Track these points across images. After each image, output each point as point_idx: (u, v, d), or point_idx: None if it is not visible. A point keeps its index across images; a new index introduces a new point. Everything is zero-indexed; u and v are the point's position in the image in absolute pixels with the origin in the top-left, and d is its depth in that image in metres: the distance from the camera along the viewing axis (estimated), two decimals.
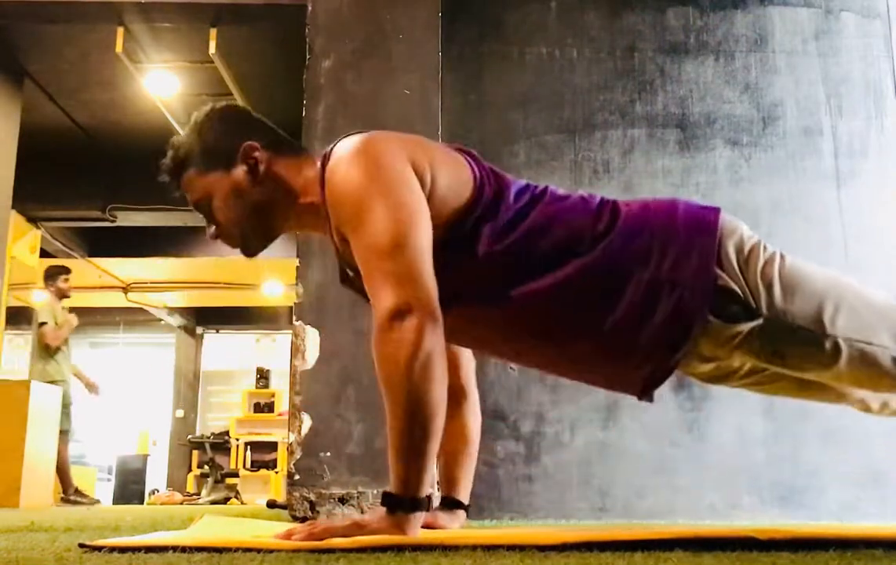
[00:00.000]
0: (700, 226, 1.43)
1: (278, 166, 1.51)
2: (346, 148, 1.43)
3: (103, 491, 11.35)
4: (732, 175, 3.42)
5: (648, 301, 1.39)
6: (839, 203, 3.39)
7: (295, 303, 3.07)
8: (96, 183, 7.97)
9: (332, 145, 1.47)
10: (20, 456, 5.63)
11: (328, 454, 2.89)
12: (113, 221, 8.15)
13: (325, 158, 1.46)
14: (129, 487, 11.07)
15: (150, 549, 1.22)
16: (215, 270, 10.34)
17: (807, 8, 3.57)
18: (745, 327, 1.38)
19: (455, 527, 1.67)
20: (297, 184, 1.50)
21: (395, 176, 1.38)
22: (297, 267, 3.07)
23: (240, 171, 1.50)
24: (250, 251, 1.58)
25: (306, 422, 2.93)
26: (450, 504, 1.71)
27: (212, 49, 5.41)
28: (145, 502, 10.64)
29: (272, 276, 10.80)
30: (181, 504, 9.55)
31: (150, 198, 7.93)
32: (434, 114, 3.18)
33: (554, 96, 3.48)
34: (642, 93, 3.49)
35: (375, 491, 2.82)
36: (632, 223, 1.44)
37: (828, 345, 1.37)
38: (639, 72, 3.51)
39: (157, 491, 11.16)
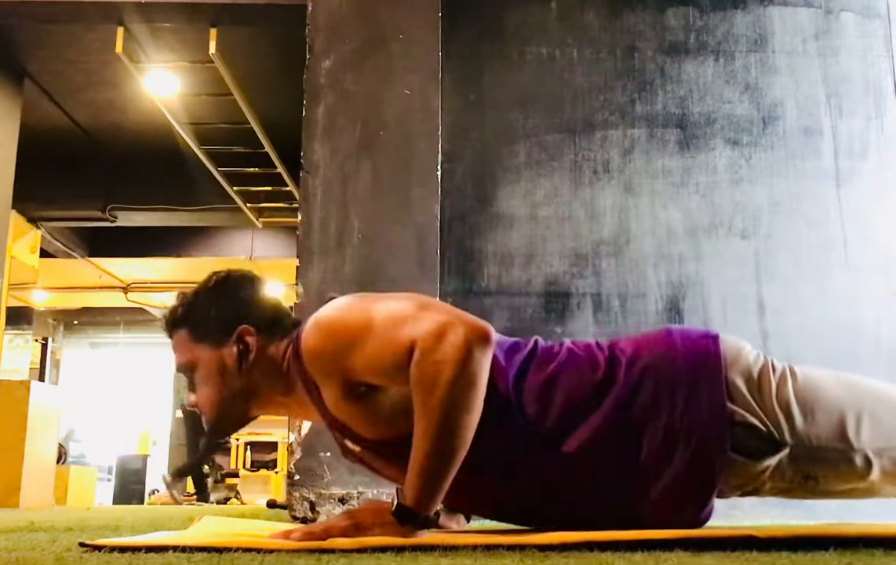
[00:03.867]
0: (702, 360, 1.37)
1: (268, 353, 1.46)
2: (318, 313, 1.40)
3: (103, 491, 11.35)
4: (732, 175, 3.42)
5: (668, 449, 1.34)
6: (839, 203, 3.39)
7: (295, 303, 3.07)
8: (96, 183, 7.97)
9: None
10: (20, 456, 5.63)
11: (328, 454, 2.89)
12: (113, 221, 8.15)
13: (296, 336, 1.42)
14: (129, 487, 11.06)
15: (150, 549, 1.22)
16: (215, 270, 10.33)
17: (807, 8, 3.57)
18: (773, 461, 1.34)
19: (455, 528, 1.67)
20: (282, 372, 1.46)
21: (382, 294, 1.36)
22: (297, 267, 3.07)
23: (229, 352, 1.46)
24: (218, 435, 1.54)
25: (306, 422, 2.93)
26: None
27: (212, 49, 5.41)
28: (145, 502, 10.64)
29: (272, 276, 10.79)
30: (181, 504, 9.55)
31: (150, 198, 7.94)
32: (434, 114, 3.18)
33: (554, 96, 3.48)
34: (642, 93, 3.49)
35: (375, 492, 2.82)
36: (633, 370, 1.37)
37: (858, 460, 1.33)
38: (639, 72, 3.51)
39: (157, 492, 11.16)
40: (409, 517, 1.26)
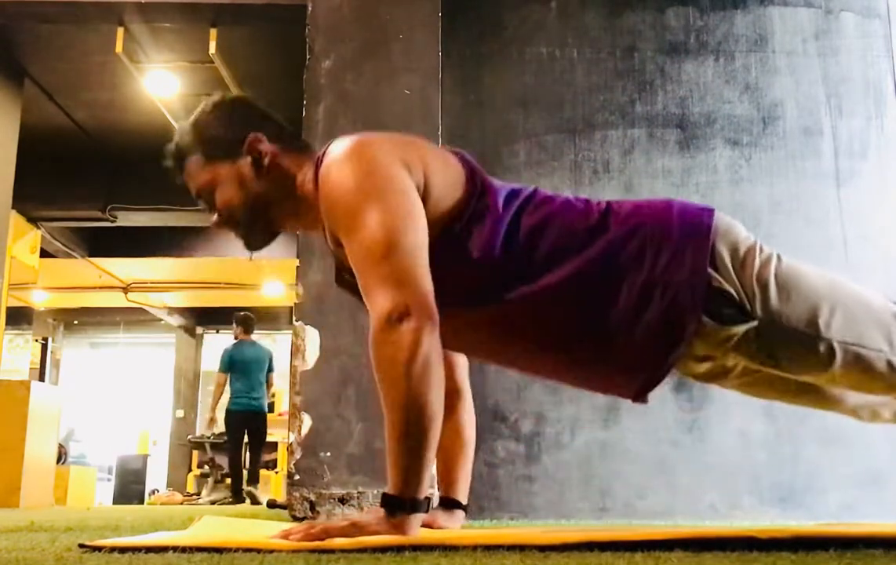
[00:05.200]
0: (694, 227, 1.42)
1: (282, 160, 1.50)
2: (338, 150, 1.42)
3: (103, 491, 11.35)
4: (732, 175, 3.42)
5: (642, 303, 1.39)
6: (839, 203, 3.39)
7: (295, 303, 3.07)
8: (96, 183, 7.97)
9: (326, 145, 1.46)
10: (20, 456, 5.63)
11: (328, 454, 2.89)
12: (113, 221, 8.15)
13: (320, 159, 1.45)
14: (129, 487, 11.07)
15: (150, 549, 1.22)
16: (215, 270, 10.34)
17: (807, 8, 3.57)
18: (740, 329, 1.38)
19: (454, 527, 1.67)
20: (298, 181, 1.49)
21: (387, 178, 1.37)
22: (297, 267, 3.07)
23: (244, 162, 1.49)
24: (252, 245, 1.56)
25: (306, 421, 2.93)
26: (448, 504, 1.71)
27: (212, 49, 5.41)
28: (145, 502, 10.64)
29: (272, 276, 10.80)
30: (181, 504, 9.55)
31: (150, 198, 7.93)
32: (434, 114, 3.18)
33: (554, 96, 3.48)
34: (642, 93, 3.49)
35: (375, 492, 2.82)
36: (625, 224, 1.43)
37: (822, 348, 1.36)
38: (639, 72, 3.51)
39: (157, 492, 11.16)
40: (396, 503, 1.28)
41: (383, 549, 1.16)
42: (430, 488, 1.34)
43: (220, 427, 7.61)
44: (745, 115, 3.48)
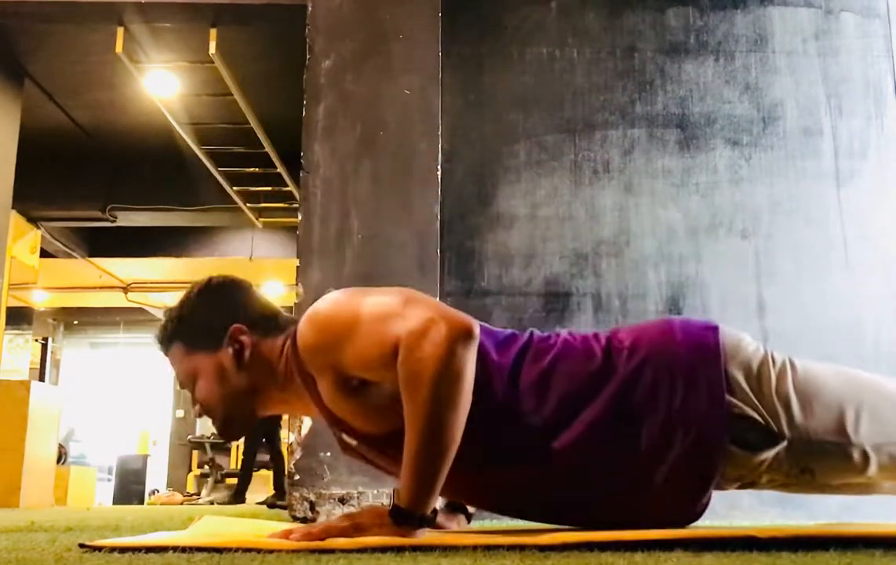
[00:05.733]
0: (702, 353, 1.37)
1: (263, 349, 1.47)
2: (313, 307, 1.40)
3: (103, 491, 11.35)
4: (732, 175, 3.42)
5: (665, 443, 1.33)
6: (839, 203, 3.39)
7: (295, 303, 3.07)
8: (96, 183, 7.97)
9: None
10: (20, 456, 5.63)
11: (328, 454, 2.89)
12: (113, 221, 8.15)
13: (293, 332, 1.42)
14: (129, 487, 11.07)
15: (150, 549, 1.22)
16: (215, 270, 10.23)
17: (807, 8, 3.57)
18: (771, 453, 1.34)
19: (454, 529, 1.66)
20: (280, 369, 1.46)
21: (373, 289, 1.37)
22: (297, 267, 3.07)
23: (226, 354, 1.46)
24: (230, 436, 1.55)
25: (306, 421, 2.93)
26: (452, 506, 1.69)
27: (212, 49, 5.41)
28: (145, 502, 10.64)
29: (272, 276, 10.80)
30: (181, 504, 9.55)
31: (150, 199, 7.94)
32: (434, 114, 3.18)
33: (554, 96, 3.48)
34: (642, 93, 3.49)
35: (375, 492, 2.82)
36: (630, 362, 1.37)
37: (856, 454, 1.34)
38: (639, 72, 3.51)
39: (157, 492, 11.16)
40: (405, 517, 1.26)
41: (383, 549, 1.16)
42: (437, 503, 1.33)
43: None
44: (745, 115, 3.48)
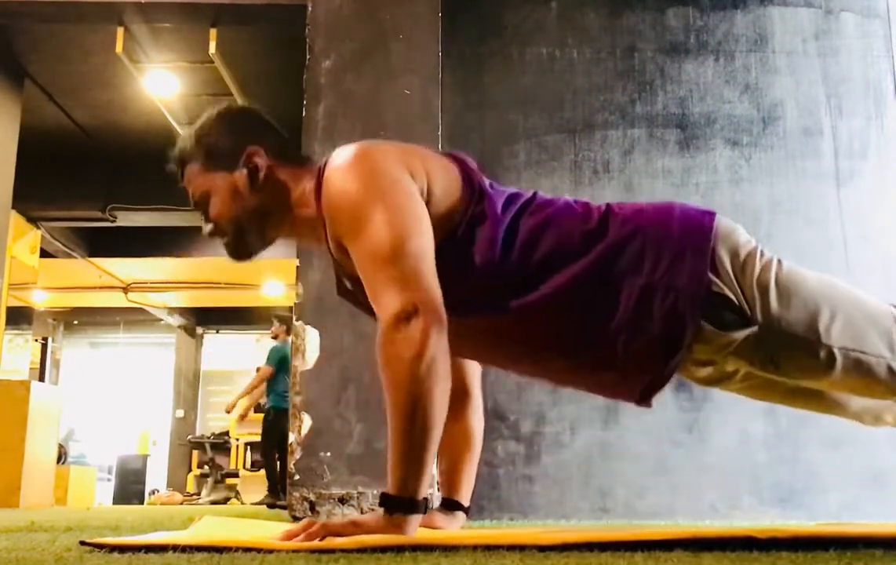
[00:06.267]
0: (694, 231, 1.41)
1: (279, 174, 1.51)
2: (341, 158, 1.42)
3: (103, 491, 11.35)
4: (732, 175, 3.42)
5: (642, 307, 1.38)
6: (839, 203, 3.39)
7: (295, 303, 3.07)
8: (96, 183, 7.97)
9: (327, 156, 1.47)
10: (20, 456, 5.64)
11: (328, 454, 2.89)
12: (113, 221, 8.15)
13: (321, 169, 1.45)
14: (129, 487, 11.08)
15: (150, 549, 1.22)
16: (215, 270, 10.35)
17: (807, 8, 3.57)
18: (740, 334, 1.37)
19: (454, 528, 1.67)
20: (295, 194, 1.50)
21: (392, 183, 1.37)
22: (297, 267, 3.07)
23: (240, 175, 1.50)
24: (241, 255, 1.56)
25: (306, 421, 2.93)
26: (450, 505, 1.71)
27: (212, 49, 5.41)
28: (145, 502, 10.64)
29: (272, 276, 10.80)
30: (181, 504, 9.56)
31: (150, 198, 7.93)
32: (434, 114, 3.18)
33: (554, 96, 3.48)
34: (642, 93, 3.49)
35: (375, 491, 2.82)
36: (623, 228, 1.42)
37: (822, 353, 1.36)
38: (639, 72, 3.51)
39: (157, 491, 11.17)
40: (396, 503, 1.28)
41: (383, 549, 1.16)
42: (429, 489, 1.34)
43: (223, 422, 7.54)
44: (745, 115, 3.48)
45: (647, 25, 3.55)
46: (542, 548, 1.18)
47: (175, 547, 1.18)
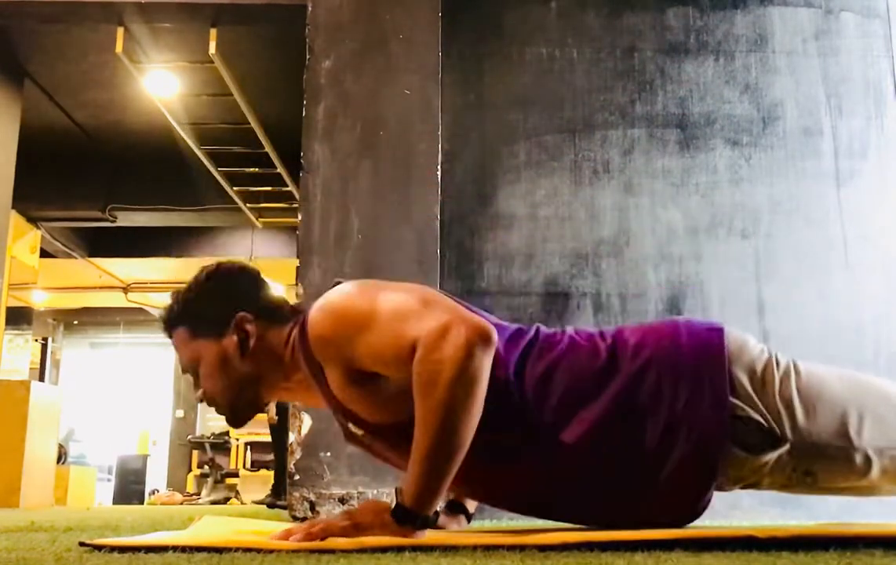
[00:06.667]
0: (707, 353, 1.37)
1: (269, 338, 1.47)
2: (323, 298, 1.40)
3: (103, 491, 11.35)
4: (732, 175, 3.42)
5: (669, 442, 1.34)
6: (839, 203, 3.39)
7: (295, 303, 3.07)
8: (96, 183, 7.97)
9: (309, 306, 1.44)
10: (20, 456, 5.63)
11: (328, 454, 2.89)
12: (113, 221, 8.15)
13: (302, 320, 1.42)
14: (129, 487, 11.07)
15: (150, 549, 1.22)
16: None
17: (807, 8, 3.57)
18: (773, 456, 1.34)
19: (454, 529, 1.66)
20: (286, 357, 1.46)
21: (388, 283, 1.37)
22: (297, 267, 3.07)
23: (230, 342, 1.46)
24: (236, 422, 1.54)
25: (306, 421, 2.93)
26: (454, 507, 1.68)
27: (212, 49, 5.41)
28: (145, 502, 10.64)
29: (272, 276, 10.77)
30: (181, 504, 9.55)
31: (150, 198, 7.93)
32: (434, 114, 3.18)
33: (554, 96, 3.48)
34: (642, 93, 3.49)
35: (375, 492, 2.82)
36: (635, 361, 1.37)
37: (858, 458, 1.34)
38: (639, 72, 3.51)
39: (157, 492, 11.16)
40: (408, 517, 1.25)
41: (383, 549, 1.16)
42: (439, 505, 1.33)
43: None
44: (745, 115, 3.48)
45: (647, 25, 3.55)
46: (542, 548, 1.18)
47: (175, 547, 1.18)
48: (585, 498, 1.41)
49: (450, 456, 1.25)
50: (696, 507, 1.39)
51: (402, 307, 1.31)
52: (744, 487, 1.45)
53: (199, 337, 1.49)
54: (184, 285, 1.54)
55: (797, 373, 1.38)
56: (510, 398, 1.36)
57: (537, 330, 1.45)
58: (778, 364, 1.38)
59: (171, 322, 1.52)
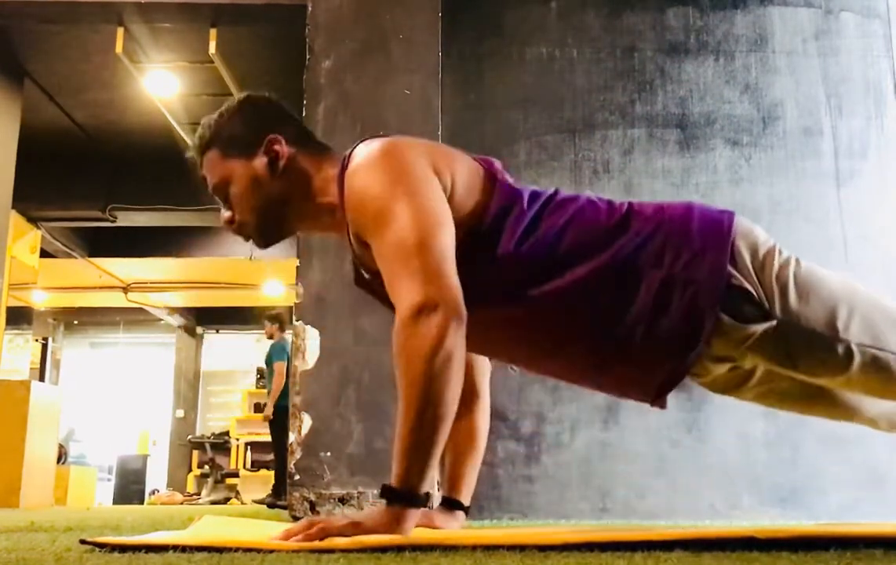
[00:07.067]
0: (714, 228, 1.43)
1: (300, 162, 1.50)
2: (366, 152, 1.43)
3: (103, 491, 11.35)
4: (732, 175, 3.42)
5: (662, 299, 1.39)
6: (839, 203, 3.39)
7: (295, 303, 3.07)
8: (96, 183, 7.97)
9: (352, 148, 1.47)
10: (20, 456, 5.64)
11: (328, 454, 2.89)
12: (113, 221, 8.15)
13: (345, 161, 1.45)
14: (130, 487, 11.08)
15: (150, 549, 1.22)
16: (215, 270, 10.35)
17: (807, 8, 3.57)
18: (759, 328, 1.38)
19: (454, 528, 1.67)
20: (315, 183, 1.50)
21: (417, 179, 1.38)
22: (297, 267, 3.07)
23: (260, 162, 1.49)
24: (262, 242, 1.56)
25: (306, 421, 2.93)
26: (450, 504, 1.71)
27: (212, 49, 5.41)
28: (145, 502, 10.64)
29: (272, 276, 10.80)
30: (181, 504, 9.56)
31: (150, 198, 7.93)
32: (434, 114, 3.18)
33: (554, 96, 3.48)
34: (642, 93, 3.49)
35: (375, 491, 2.82)
36: (646, 225, 1.44)
37: (840, 349, 1.37)
38: (639, 72, 3.51)
39: (158, 492, 11.16)
40: (396, 495, 1.28)
41: (383, 549, 1.16)
42: (430, 486, 1.34)
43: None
44: (745, 115, 3.48)
45: (647, 25, 3.55)
46: (542, 548, 1.18)
47: (175, 547, 1.18)
48: (574, 344, 1.46)
49: (431, 433, 1.28)
50: (680, 369, 1.44)
51: (404, 241, 1.34)
52: (727, 385, 1.52)
53: (230, 157, 1.51)
54: (214, 112, 1.56)
55: (797, 263, 1.43)
56: (523, 243, 1.42)
57: (556, 191, 1.51)
58: (781, 253, 1.44)
59: (203, 145, 1.54)
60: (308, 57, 3.23)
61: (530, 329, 1.47)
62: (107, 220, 8.10)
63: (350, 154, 1.45)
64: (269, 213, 1.52)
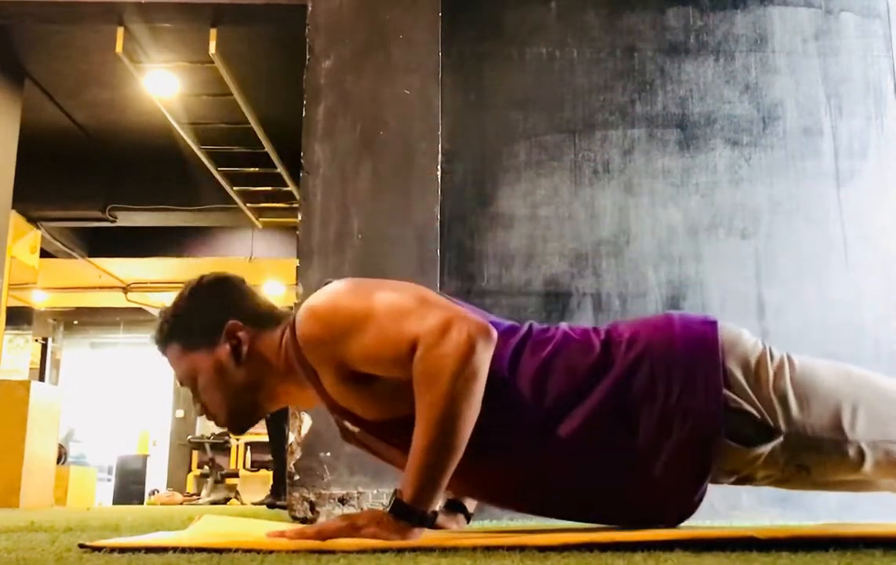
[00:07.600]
0: (700, 346, 1.37)
1: (261, 343, 1.47)
2: (312, 298, 1.39)
3: (103, 491, 11.35)
4: (732, 175, 3.42)
5: (662, 433, 1.34)
6: (839, 203, 3.39)
7: (295, 303, 3.07)
8: (96, 183, 7.97)
9: (294, 312, 1.44)
10: (20, 456, 5.63)
11: (328, 454, 2.89)
12: (113, 221, 8.15)
13: (292, 321, 1.41)
14: (129, 487, 11.08)
15: (150, 549, 1.21)
16: (215, 270, 10.33)
17: (807, 8, 3.57)
18: (766, 448, 1.34)
19: (454, 529, 1.66)
20: (279, 361, 1.46)
21: (382, 286, 1.36)
22: (297, 267, 3.07)
23: (223, 351, 1.46)
24: (237, 430, 1.54)
25: (306, 421, 2.93)
26: (453, 507, 1.68)
27: (212, 49, 5.41)
28: (145, 502, 10.64)
29: (272, 276, 10.80)
30: (181, 504, 9.55)
31: (150, 198, 7.93)
32: (434, 114, 3.18)
33: (554, 96, 3.48)
34: (642, 93, 3.49)
35: (375, 492, 2.82)
36: (628, 355, 1.37)
37: (851, 451, 1.34)
38: (639, 72, 3.51)
39: (157, 492, 11.16)
40: (406, 513, 1.25)
41: (383, 549, 1.16)
42: (438, 503, 1.33)
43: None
44: (745, 115, 3.47)
45: (647, 25, 3.55)
46: (542, 548, 1.18)
47: (175, 548, 1.18)
48: (580, 494, 1.41)
49: (449, 451, 1.25)
50: (692, 501, 1.39)
51: (400, 305, 1.31)
52: (738, 481, 1.45)
53: (192, 350, 1.49)
54: (170, 302, 1.54)
55: (791, 365, 1.38)
56: (504, 393, 1.35)
57: (530, 326, 1.45)
58: (772, 357, 1.38)
59: (163, 339, 1.52)
60: (308, 57, 3.23)
61: (528, 482, 1.41)
62: (107, 220, 8.10)
63: (294, 317, 1.41)
64: (240, 401, 1.49)
